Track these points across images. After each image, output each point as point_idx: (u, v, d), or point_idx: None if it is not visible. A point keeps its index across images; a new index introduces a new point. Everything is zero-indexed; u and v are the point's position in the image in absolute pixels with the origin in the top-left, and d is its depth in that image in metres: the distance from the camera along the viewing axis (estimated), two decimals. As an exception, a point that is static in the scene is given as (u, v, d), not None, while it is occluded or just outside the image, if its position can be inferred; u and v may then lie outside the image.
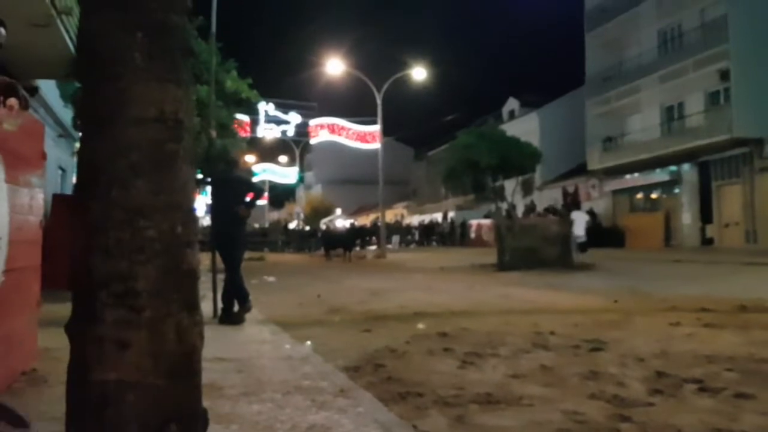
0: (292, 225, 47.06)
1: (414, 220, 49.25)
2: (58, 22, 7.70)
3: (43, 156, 4.56)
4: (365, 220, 50.02)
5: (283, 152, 57.73)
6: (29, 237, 4.08)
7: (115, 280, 1.82)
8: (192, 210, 2.01)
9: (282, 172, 59.15)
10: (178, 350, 1.86)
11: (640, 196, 29.79)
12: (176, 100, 1.92)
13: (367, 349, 5.32)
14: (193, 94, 2.30)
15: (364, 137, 47.64)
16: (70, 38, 8.12)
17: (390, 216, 44.30)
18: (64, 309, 1.94)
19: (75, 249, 1.90)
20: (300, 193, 67.45)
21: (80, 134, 2.02)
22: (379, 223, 29.29)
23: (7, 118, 3.71)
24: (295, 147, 51.35)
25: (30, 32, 7.74)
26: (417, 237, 40.91)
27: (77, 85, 10.32)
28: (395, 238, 35.24)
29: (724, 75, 23.20)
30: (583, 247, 15.88)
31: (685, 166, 25.84)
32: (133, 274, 1.83)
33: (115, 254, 1.83)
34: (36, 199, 4.21)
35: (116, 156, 1.84)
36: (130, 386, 1.77)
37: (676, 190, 26.76)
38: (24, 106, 4.37)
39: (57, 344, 2.95)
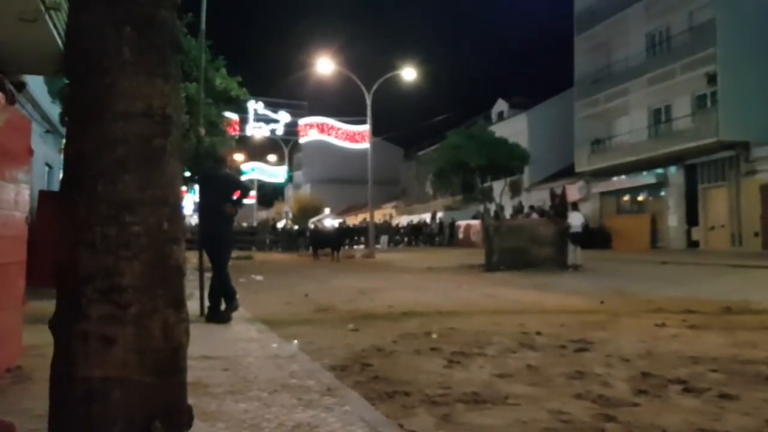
0: (280, 224, 46.93)
1: (403, 220, 49.28)
2: (47, 17, 7.63)
3: (30, 152, 4.53)
4: (354, 220, 50.02)
5: (272, 151, 57.63)
6: (14, 233, 4.05)
7: (101, 276, 1.80)
8: (179, 206, 2.00)
9: (271, 171, 59.02)
10: (164, 347, 1.85)
11: (626, 198, 29.99)
12: (164, 94, 1.91)
13: (355, 348, 5.32)
14: (181, 90, 2.28)
15: (353, 137, 47.63)
16: (59, 34, 8.04)
17: (379, 216, 44.31)
18: (50, 306, 1.92)
19: (60, 244, 1.89)
20: (289, 192, 67.37)
21: (67, 129, 2.01)
22: (368, 223, 29.29)
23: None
24: (284, 146, 51.26)
25: (18, 27, 7.65)
26: (405, 237, 40.94)
27: (65, 81, 10.26)
28: (384, 238, 35.30)
29: (712, 78, 23.40)
30: (577, 237, 15.91)
31: (672, 169, 26.03)
32: (119, 269, 1.81)
33: (100, 249, 1.81)
34: (22, 195, 4.18)
35: (103, 150, 1.83)
36: (115, 383, 1.76)
37: (663, 193, 26.95)
38: (10, 101, 4.34)
39: (43, 341, 2.93)
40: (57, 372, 1.84)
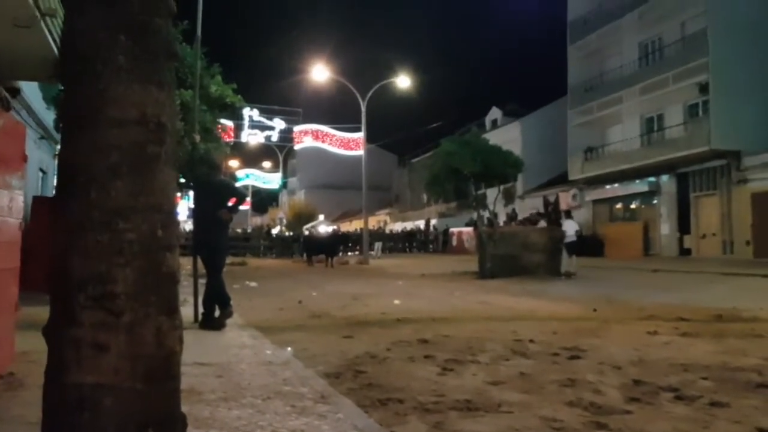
0: (274, 230, 46.85)
1: (396, 226, 49.32)
2: (42, 23, 7.62)
3: (24, 158, 4.53)
4: (348, 226, 50.02)
5: (267, 157, 57.69)
6: (8, 238, 4.04)
7: (94, 283, 1.81)
8: (173, 213, 2.00)
9: (265, 178, 59.09)
10: (157, 354, 1.85)
11: (619, 206, 30.11)
12: (159, 102, 1.92)
13: (348, 354, 5.32)
14: (176, 97, 2.29)
15: (348, 144, 47.74)
16: (54, 40, 8.04)
17: (373, 222, 44.32)
18: (43, 312, 1.93)
19: (53, 250, 1.89)
20: (283, 198, 67.31)
21: (61, 135, 2.01)
22: (362, 230, 29.29)
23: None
24: (279, 152, 51.29)
25: (12, 33, 7.64)
26: (399, 244, 40.95)
27: (60, 87, 10.27)
28: (378, 245, 35.34)
29: (704, 88, 23.55)
30: (572, 245, 16.00)
31: (664, 177, 26.17)
32: (112, 276, 1.82)
33: (93, 256, 1.82)
34: (15, 201, 4.17)
35: (96, 157, 1.84)
36: (108, 390, 1.76)
37: (655, 201, 27.08)
38: (6, 107, 4.34)
39: (35, 347, 2.93)
40: (50, 378, 1.84)
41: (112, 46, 1.84)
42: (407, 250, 39.45)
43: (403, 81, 28.95)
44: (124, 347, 1.78)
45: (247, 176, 55.67)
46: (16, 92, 10.32)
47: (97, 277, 1.80)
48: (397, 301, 10.04)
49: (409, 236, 41.43)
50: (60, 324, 1.82)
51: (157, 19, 1.94)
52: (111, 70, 1.83)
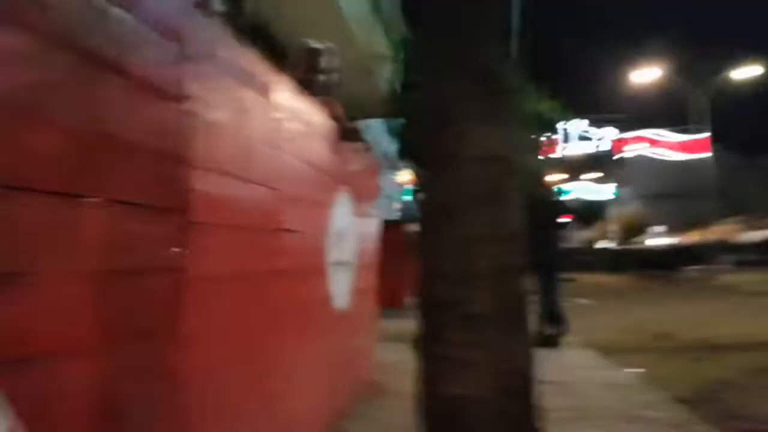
0: (603, 244, 45.20)
1: (749, 236, 43.46)
2: (378, 68, 8.96)
3: (380, 189, 5.23)
4: (690, 238, 45.76)
5: (596, 168, 55.99)
6: (369, 261, 4.69)
7: (457, 304, 2.04)
8: (522, 239, 2.15)
9: (595, 189, 57.36)
10: (515, 370, 2.02)
11: None
12: (505, 138, 2.11)
13: (701, 380, 4.89)
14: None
15: (685, 147, 43.94)
16: (383, 80, 9.33)
17: (721, 233, 39.83)
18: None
19: (420, 275, 2.17)
20: (613, 210, 64.60)
21: (421, 175, 2.32)
22: (707, 241, 26.57)
23: (355, 159, 4.34)
24: (609, 162, 49.50)
25: (361, 79, 9.07)
26: (753, 256, 35.95)
27: (400, 120, 11.74)
28: (727, 258, 31.53)
29: None
30: None
31: None
32: (472, 298, 2.03)
33: (455, 281, 2.05)
34: (373, 227, 4.83)
35: (456, 192, 2.09)
36: (475, 402, 1.96)
37: None
38: (367, 148, 5.04)
39: (391, 358, 3.34)
40: (422, 389, 2.12)
41: (466, 93, 2.08)
42: (764, 263, 34.44)
43: (748, 71, 25.56)
44: (486, 364, 1.97)
45: (576, 189, 54.78)
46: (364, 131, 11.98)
47: (460, 299, 2.02)
48: (754, 323, 8.87)
49: (765, 247, 36.10)
50: (429, 341, 2.09)
51: (503, 65, 2.13)
52: (466, 115, 2.06)
